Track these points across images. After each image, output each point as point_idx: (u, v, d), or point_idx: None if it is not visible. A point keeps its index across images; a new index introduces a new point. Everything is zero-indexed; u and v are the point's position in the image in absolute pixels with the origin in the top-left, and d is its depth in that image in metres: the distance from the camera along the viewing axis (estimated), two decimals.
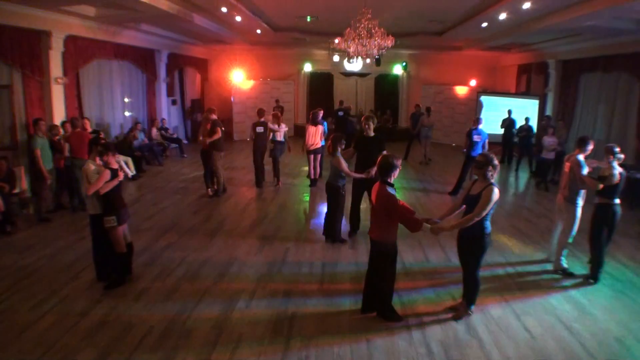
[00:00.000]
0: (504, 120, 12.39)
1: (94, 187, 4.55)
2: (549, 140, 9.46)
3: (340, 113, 13.08)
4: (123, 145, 10.10)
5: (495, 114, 13.62)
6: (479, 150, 8.82)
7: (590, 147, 5.36)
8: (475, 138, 8.84)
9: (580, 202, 5.31)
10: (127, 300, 4.54)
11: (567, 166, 5.41)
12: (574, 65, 12.03)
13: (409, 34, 12.90)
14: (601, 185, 5.01)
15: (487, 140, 8.99)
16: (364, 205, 6.65)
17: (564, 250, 5.44)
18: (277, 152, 9.26)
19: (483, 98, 14.93)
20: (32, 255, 5.61)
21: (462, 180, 9.07)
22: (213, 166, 8.33)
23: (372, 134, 6.20)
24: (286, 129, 9.47)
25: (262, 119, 9.13)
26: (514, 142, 12.50)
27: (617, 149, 5.04)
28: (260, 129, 9.03)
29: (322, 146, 9.16)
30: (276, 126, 9.12)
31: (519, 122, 12.27)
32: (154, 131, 12.20)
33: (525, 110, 13.32)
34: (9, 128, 7.74)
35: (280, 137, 9.21)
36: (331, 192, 6.10)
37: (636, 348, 3.93)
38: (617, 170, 4.96)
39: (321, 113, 9.31)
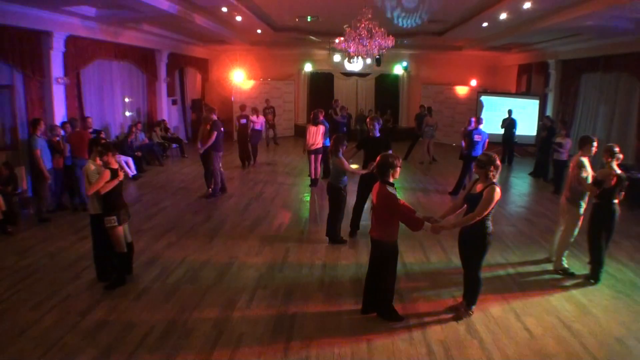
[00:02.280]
0: (504, 120, 12.36)
1: (94, 187, 4.55)
2: (564, 142, 9.21)
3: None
4: (123, 145, 10.12)
5: (496, 114, 13.63)
6: (479, 150, 8.83)
7: (594, 147, 5.32)
8: (476, 138, 8.84)
9: (583, 203, 5.30)
10: (127, 300, 4.54)
11: (571, 167, 5.41)
12: (574, 65, 12.03)
13: (410, 34, 12.90)
14: (598, 191, 5.00)
15: (487, 140, 8.98)
16: (367, 205, 6.65)
17: (565, 251, 5.43)
18: (255, 139, 11.60)
19: (483, 98, 14.93)
20: (32, 255, 5.62)
21: (463, 180, 9.06)
22: (211, 166, 8.35)
23: (377, 134, 6.23)
24: (263, 119, 12.15)
25: (244, 112, 11.37)
26: (515, 142, 12.47)
27: (617, 149, 5.03)
28: (243, 121, 11.24)
29: (323, 146, 9.19)
30: (255, 117, 11.49)
31: (519, 122, 12.25)
32: (157, 131, 12.22)
33: (526, 111, 13.33)
34: (9, 128, 7.75)
35: (258, 126, 11.55)
36: (332, 193, 6.10)
37: (637, 348, 3.92)
38: (615, 171, 4.95)
39: (321, 115, 9.36)
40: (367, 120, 6.44)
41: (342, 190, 6.04)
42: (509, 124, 12.24)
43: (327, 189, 6.25)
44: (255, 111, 11.69)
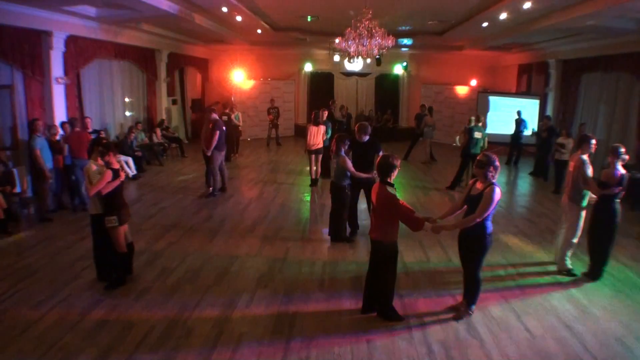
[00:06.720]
0: (517, 121, 12.25)
1: (96, 188, 4.55)
2: (567, 143, 9.21)
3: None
4: (123, 145, 10.11)
5: (496, 113, 13.61)
6: (478, 148, 8.88)
7: (593, 145, 5.32)
8: (476, 135, 8.88)
9: (584, 201, 5.29)
10: (127, 300, 4.54)
11: (571, 166, 5.39)
12: (574, 65, 12.02)
13: (410, 33, 12.90)
14: (602, 192, 5.00)
15: (486, 139, 9.03)
16: (363, 205, 6.65)
17: (568, 251, 5.42)
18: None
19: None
20: (32, 255, 5.62)
21: (461, 175, 9.13)
22: (211, 165, 8.36)
23: (365, 139, 6.15)
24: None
25: (227, 110, 11.91)
26: (522, 143, 12.38)
27: (622, 150, 5.02)
28: (224, 117, 11.41)
29: (324, 146, 9.19)
30: (232, 114, 12.13)
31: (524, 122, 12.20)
32: (158, 132, 12.22)
33: (526, 110, 13.30)
34: (10, 128, 7.75)
35: (238, 123, 12.47)
36: (336, 192, 6.10)
37: (637, 348, 3.92)
38: (620, 171, 4.94)
39: (325, 114, 9.40)
40: (356, 128, 6.24)
41: (345, 189, 6.06)
42: (518, 124, 12.14)
43: (330, 188, 6.25)
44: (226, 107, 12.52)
